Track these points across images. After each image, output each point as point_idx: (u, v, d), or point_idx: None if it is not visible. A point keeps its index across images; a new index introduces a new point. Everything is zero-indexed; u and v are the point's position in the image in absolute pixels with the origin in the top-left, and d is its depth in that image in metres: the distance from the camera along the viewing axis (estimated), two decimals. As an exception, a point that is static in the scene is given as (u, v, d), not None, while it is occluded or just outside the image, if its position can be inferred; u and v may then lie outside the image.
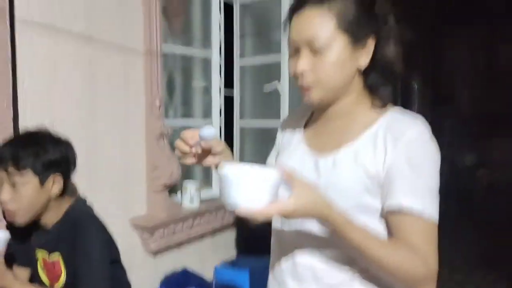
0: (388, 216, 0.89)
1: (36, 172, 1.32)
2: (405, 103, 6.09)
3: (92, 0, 1.90)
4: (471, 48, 7.61)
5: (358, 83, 0.97)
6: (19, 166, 1.30)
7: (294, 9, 0.94)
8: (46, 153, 1.34)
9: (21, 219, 1.34)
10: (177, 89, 2.51)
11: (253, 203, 0.74)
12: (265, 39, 2.89)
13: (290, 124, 1.12)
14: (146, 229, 2.13)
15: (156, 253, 2.24)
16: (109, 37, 1.98)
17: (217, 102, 2.60)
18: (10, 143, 1.35)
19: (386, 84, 0.98)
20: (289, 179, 0.78)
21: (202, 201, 2.46)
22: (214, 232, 2.58)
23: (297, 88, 0.96)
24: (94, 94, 1.92)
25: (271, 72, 2.87)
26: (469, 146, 7.37)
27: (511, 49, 7.34)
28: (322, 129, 1.01)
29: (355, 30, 0.90)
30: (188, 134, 0.98)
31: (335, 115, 0.98)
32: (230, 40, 2.96)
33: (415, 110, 6.43)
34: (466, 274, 4.06)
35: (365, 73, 0.97)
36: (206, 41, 2.56)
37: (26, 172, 1.31)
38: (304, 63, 0.91)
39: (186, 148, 0.98)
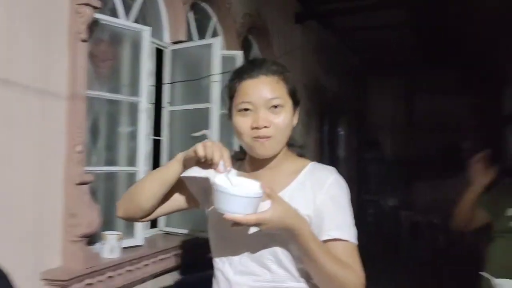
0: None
1: None
2: (332, 148, 6.35)
3: (12, 42, 1.83)
4: (392, 97, 8.17)
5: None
6: None
7: (247, 75, 1.11)
8: None
9: None
10: (101, 134, 2.44)
11: (238, 211, 0.95)
12: (196, 85, 2.91)
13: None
14: (60, 282, 1.99)
15: (70, 309, 2.08)
16: (28, 80, 1.90)
17: (144, 148, 2.54)
18: None
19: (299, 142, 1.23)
20: (270, 195, 0.98)
21: (124, 251, 2.36)
22: (136, 284, 2.46)
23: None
24: (10, 138, 1.82)
25: (201, 116, 2.89)
26: (392, 189, 7.77)
27: (426, 98, 7.97)
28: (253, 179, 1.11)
29: (295, 97, 1.15)
30: (226, 161, 1.01)
31: (267, 167, 1.15)
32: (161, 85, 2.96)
33: (341, 154, 6.72)
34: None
35: None
36: (134, 86, 2.53)
37: None
38: (264, 119, 1.08)
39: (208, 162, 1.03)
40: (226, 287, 1.12)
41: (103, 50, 2.35)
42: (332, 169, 1.16)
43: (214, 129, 2.80)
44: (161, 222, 3.04)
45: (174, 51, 2.99)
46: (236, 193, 0.95)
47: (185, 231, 2.92)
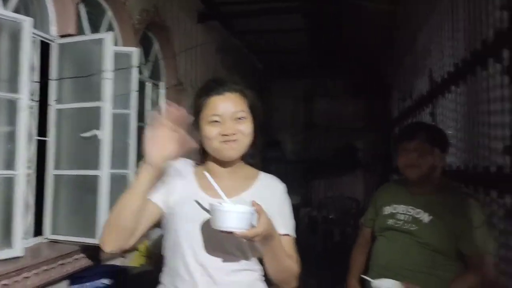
0: None
1: None
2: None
3: None
4: (293, 99, 8.47)
5: None
6: None
7: (213, 92, 1.31)
8: None
9: None
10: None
11: (241, 227, 1.13)
12: (86, 82, 2.74)
13: (179, 174, 1.36)
14: None
15: None
16: None
17: (24, 149, 2.32)
18: None
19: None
20: (259, 210, 1.17)
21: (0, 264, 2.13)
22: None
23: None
24: None
25: (92, 115, 2.72)
26: (293, 187, 8.05)
27: (324, 100, 8.39)
28: (217, 181, 1.28)
29: (254, 111, 1.35)
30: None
31: (227, 171, 1.35)
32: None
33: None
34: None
35: None
36: (13, 82, 2.29)
37: None
38: (231, 127, 1.28)
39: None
40: (202, 272, 1.27)
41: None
42: (277, 178, 1.43)
43: (106, 129, 2.65)
44: (47, 229, 2.81)
45: (62, 45, 2.77)
46: (241, 211, 1.13)
47: (73, 239, 2.72)
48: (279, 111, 8.45)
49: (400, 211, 1.97)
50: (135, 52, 2.97)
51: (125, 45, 3.35)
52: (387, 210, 2.02)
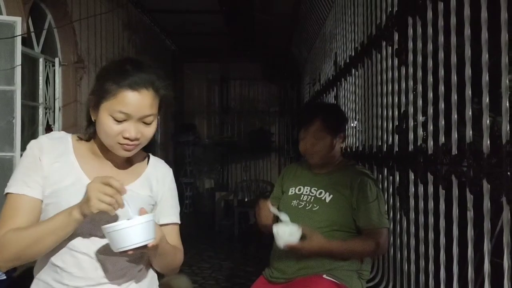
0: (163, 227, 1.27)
1: None
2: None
3: None
4: (208, 82, 8.37)
5: None
6: None
7: (127, 85, 1.11)
8: None
9: None
10: None
11: (152, 237, 1.09)
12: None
13: (55, 154, 1.19)
14: None
15: None
16: None
17: None
18: None
19: None
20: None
21: None
22: None
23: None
24: None
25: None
26: (208, 171, 8.00)
27: (239, 84, 8.39)
28: (105, 167, 1.22)
29: (162, 104, 1.20)
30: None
31: (120, 161, 1.25)
32: None
33: (158, 139, 6.60)
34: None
35: None
36: None
37: None
38: (138, 131, 1.14)
39: None
40: (96, 264, 1.18)
41: None
42: (166, 165, 1.37)
43: (18, 114, 2.40)
44: None
45: None
46: (146, 220, 1.07)
47: None
48: (194, 94, 8.30)
49: (304, 192, 2.03)
50: (18, 22, 2.68)
51: (10, 14, 3.03)
52: (292, 191, 2.07)
